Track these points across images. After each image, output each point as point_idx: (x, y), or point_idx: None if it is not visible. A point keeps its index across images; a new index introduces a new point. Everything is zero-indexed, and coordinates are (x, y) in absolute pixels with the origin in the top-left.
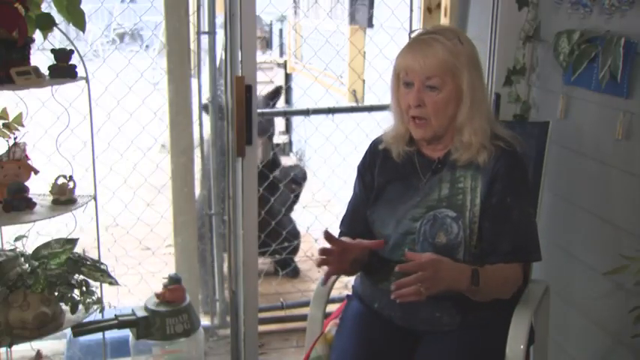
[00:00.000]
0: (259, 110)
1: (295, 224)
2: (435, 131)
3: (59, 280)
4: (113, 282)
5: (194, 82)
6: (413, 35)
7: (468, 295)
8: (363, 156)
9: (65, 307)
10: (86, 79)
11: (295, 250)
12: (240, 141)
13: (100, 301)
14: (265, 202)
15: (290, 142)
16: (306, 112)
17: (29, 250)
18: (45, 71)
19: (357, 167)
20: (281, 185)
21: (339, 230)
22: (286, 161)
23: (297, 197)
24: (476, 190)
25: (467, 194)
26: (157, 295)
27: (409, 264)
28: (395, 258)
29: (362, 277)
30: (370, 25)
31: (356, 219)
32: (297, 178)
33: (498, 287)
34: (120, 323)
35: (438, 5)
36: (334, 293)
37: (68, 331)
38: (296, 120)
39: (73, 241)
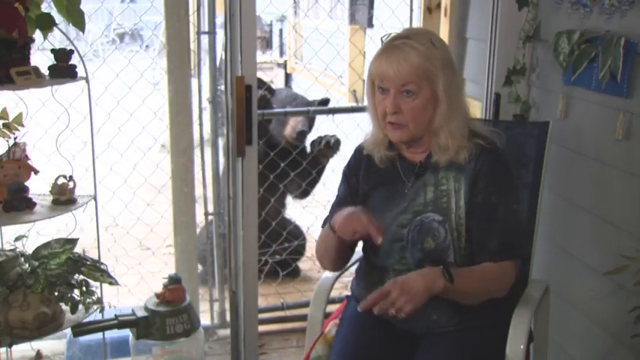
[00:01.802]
0: (259, 111)
1: (298, 225)
2: (412, 135)
3: (59, 280)
4: (113, 282)
5: (194, 82)
6: (385, 40)
7: (454, 298)
8: (349, 160)
9: (65, 307)
10: (86, 79)
11: (300, 251)
12: (240, 141)
13: (100, 301)
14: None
15: None
16: (307, 113)
17: (29, 250)
18: (45, 71)
19: (343, 170)
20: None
21: (321, 229)
22: None
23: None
24: (459, 192)
25: (451, 197)
26: (157, 295)
27: (371, 297)
28: (387, 265)
29: (357, 280)
30: (370, 25)
31: None
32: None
33: (479, 286)
34: (120, 323)
35: (438, 5)
36: (334, 293)
37: (68, 331)
38: None
39: (73, 241)
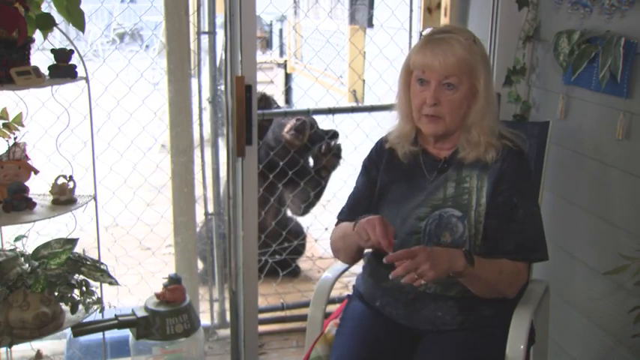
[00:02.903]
0: (259, 111)
1: (300, 223)
2: (447, 128)
3: (59, 280)
4: (113, 282)
5: (194, 82)
6: (426, 33)
7: (466, 284)
8: (370, 152)
9: (65, 307)
10: (86, 79)
11: (300, 250)
12: (240, 141)
13: (100, 301)
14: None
15: None
16: (307, 113)
17: (29, 250)
18: (45, 71)
19: (363, 162)
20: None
21: (337, 220)
22: None
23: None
24: (482, 189)
25: (472, 194)
26: (157, 295)
27: (399, 252)
28: None
29: (364, 275)
30: (370, 25)
31: (356, 211)
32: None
33: (495, 277)
34: (120, 323)
35: (438, 5)
36: (334, 293)
37: (68, 331)
38: None
39: (73, 241)
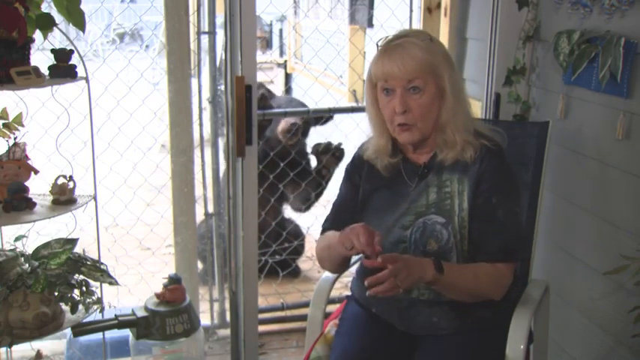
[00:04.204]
0: (259, 111)
1: (298, 224)
2: (422, 134)
3: (59, 280)
4: (113, 282)
5: (194, 82)
6: (381, 43)
7: (441, 291)
8: (352, 158)
9: (65, 307)
10: (86, 79)
11: (299, 251)
12: (240, 141)
13: (100, 301)
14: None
15: None
16: (307, 113)
17: (29, 250)
18: (45, 71)
19: (345, 168)
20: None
21: (322, 228)
22: None
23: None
24: (463, 194)
25: (454, 199)
26: (157, 295)
27: (377, 259)
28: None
29: (358, 282)
30: (370, 25)
31: (340, 217)
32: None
33: (471, 282)
34: (120, 323)
35: (438, 5)
36: (334, 293)
37: (68, 331)
38: None
39: (73, 241)
